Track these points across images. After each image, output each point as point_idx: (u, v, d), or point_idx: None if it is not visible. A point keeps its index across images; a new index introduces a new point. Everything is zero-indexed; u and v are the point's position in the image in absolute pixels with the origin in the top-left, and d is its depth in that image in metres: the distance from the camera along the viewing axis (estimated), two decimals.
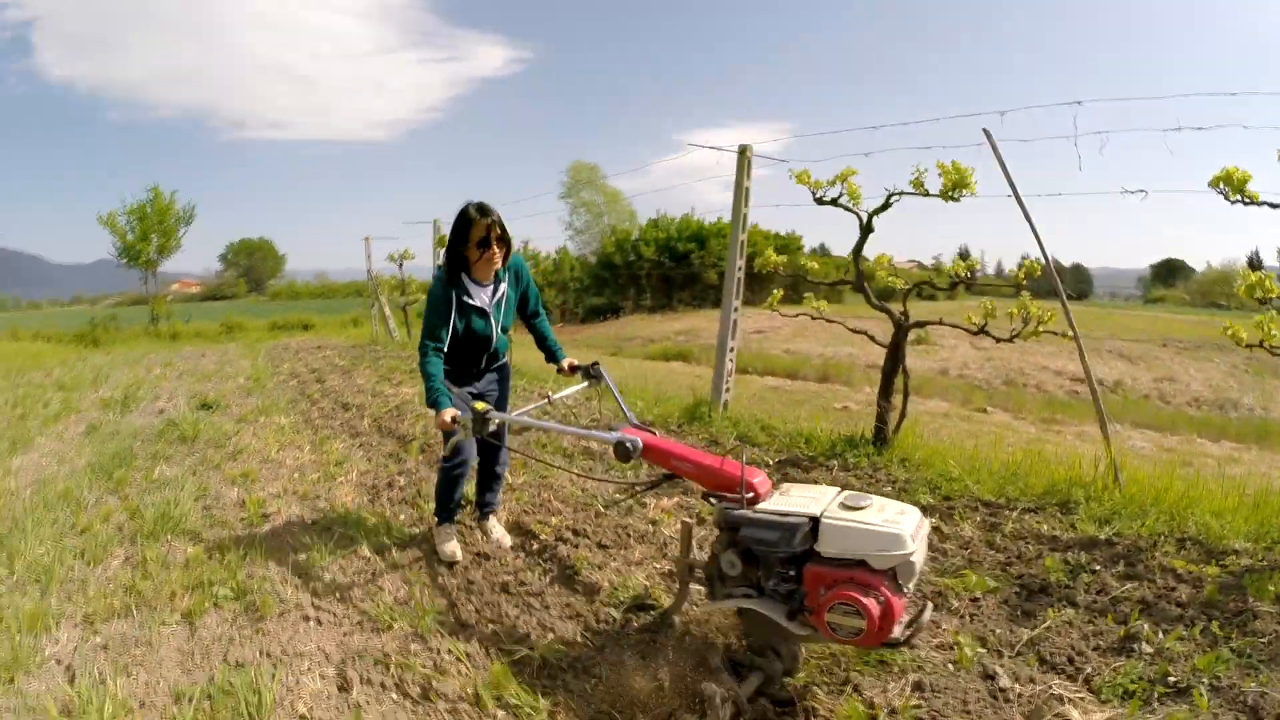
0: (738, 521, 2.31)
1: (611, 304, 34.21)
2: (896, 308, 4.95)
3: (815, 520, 2.22)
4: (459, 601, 3.21)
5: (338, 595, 3.28)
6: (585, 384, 3.42)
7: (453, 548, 3.60)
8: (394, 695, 2.54)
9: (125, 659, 2.77)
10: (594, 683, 2.55)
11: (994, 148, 4.08)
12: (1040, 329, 4.24)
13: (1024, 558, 3.46)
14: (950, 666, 2.57)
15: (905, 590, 2.19)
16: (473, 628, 2.97)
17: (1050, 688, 2.42)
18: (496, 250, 3.22)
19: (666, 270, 34.96)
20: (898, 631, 2.21)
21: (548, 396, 3.54)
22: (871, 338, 5.16)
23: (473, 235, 3.18)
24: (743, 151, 5.92)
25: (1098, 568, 3.27)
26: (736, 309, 6.29)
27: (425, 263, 13.36)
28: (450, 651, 2.76)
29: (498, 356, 3.62)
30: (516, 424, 3.03)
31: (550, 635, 2.85)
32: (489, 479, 3.84)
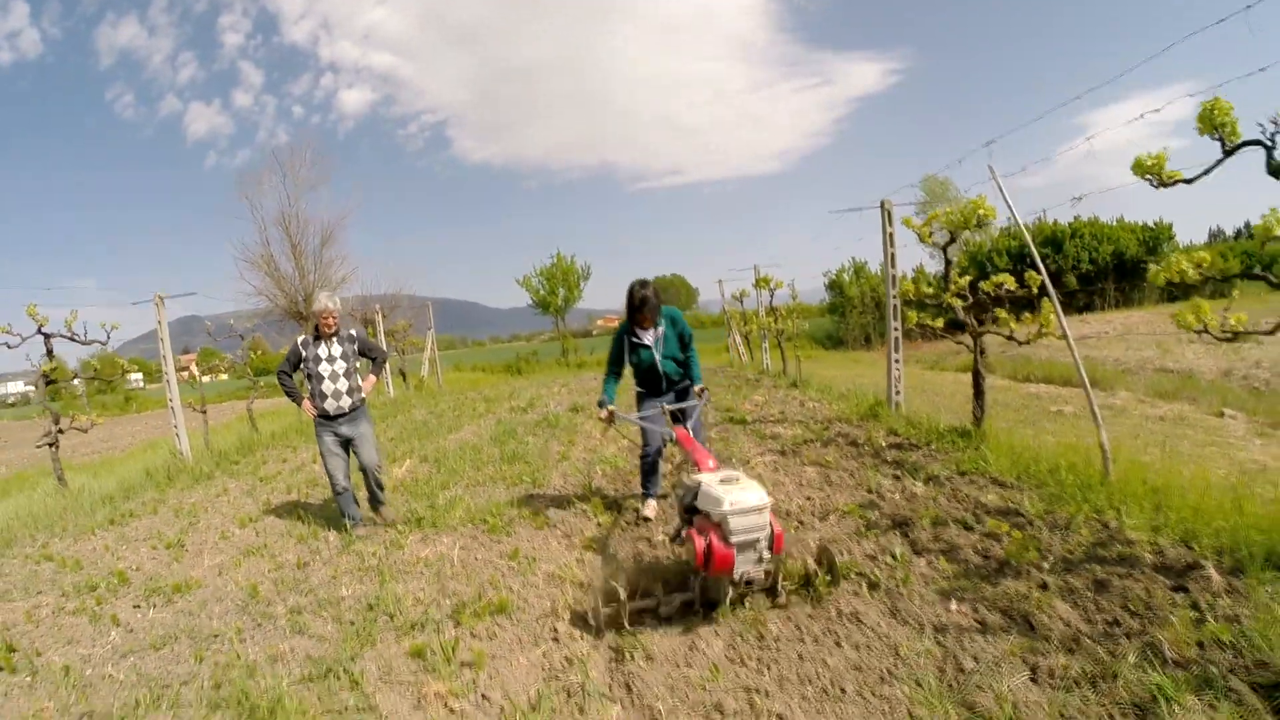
0: (677, 481, 3.67)
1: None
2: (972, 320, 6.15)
3: (699, 483, 3.15)
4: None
5: (557, 481, 6.43)
6: (701, 401, 4.64)
7: (645, 510, 5.15)
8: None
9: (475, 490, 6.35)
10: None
11: (995, 179, 5.24)
12: (1044, 332, 5.23)
13: (913, 503, 4.84)
14: None
15: (733, 543, 2.88)
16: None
17: None
18: (646, 312, 4.65)
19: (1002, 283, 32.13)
20: (736, 574, 2.93)
21: (661, 406, 4.72)
22: (970, 347, 6.37)
23: (633, 301, 4.67)
24: (883, 205, 7.57)
25: (970, 524, 4.29)
26: (896, 328, 7.83)
27: (752, 301, 16.29)
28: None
29: (674, 380, 4.87)
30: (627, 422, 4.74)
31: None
32: None
